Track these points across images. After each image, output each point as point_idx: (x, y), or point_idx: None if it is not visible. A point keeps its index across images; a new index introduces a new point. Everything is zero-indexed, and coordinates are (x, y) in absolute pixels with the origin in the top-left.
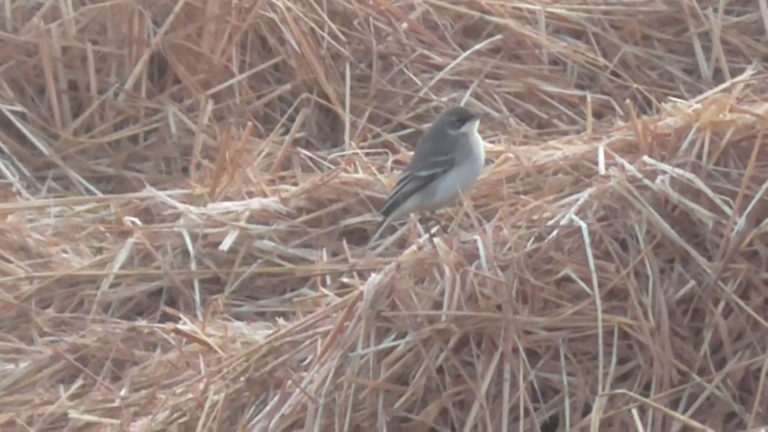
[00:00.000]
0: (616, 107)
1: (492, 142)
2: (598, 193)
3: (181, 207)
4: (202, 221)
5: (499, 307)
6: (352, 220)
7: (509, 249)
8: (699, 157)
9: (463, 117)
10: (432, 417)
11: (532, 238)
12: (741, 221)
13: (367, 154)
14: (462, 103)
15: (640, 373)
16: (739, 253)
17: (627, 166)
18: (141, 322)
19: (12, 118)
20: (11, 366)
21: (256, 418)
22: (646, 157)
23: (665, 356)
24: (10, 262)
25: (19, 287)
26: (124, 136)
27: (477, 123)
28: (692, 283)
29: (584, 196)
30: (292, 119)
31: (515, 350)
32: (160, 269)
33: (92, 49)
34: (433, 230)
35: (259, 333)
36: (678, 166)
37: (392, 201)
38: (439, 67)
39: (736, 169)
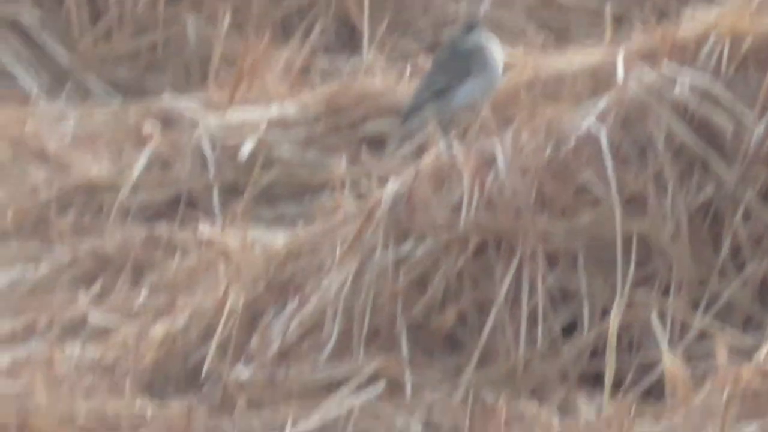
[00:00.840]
0: (635, 15)
1: (511, 49)
2: (617, 101)
3: (200, 115)
4: (221, 128)
5: (517, 213)
6: (370, 127)
7: (528, 155)
8: (718, 64)
9: (471, 25)
10: (450, 322)
11: (551, 144)
12: (760, 128)
13: (385, 61)
14: (481, 11)
15: (658, 278)
16: (759, 159)
17: (646, 72)
18: (160, 228)
19: (30, 26)
20: (31, 270)
21: (275, 322)
22: (665, 64)
23: (684, 261)
24: (28, 168)
25: (39, 193)
26: (142, 44)
27: (483, 30)
28: (711, 188)
29: (603, 103)
30: (310, 27)
31: (534, 255)
32: (179, 176)
33: None
34: (452, 136)
35: (278, 238)
36: (697, 72)
37: (410, 109)
38: None
39: (755, 76)
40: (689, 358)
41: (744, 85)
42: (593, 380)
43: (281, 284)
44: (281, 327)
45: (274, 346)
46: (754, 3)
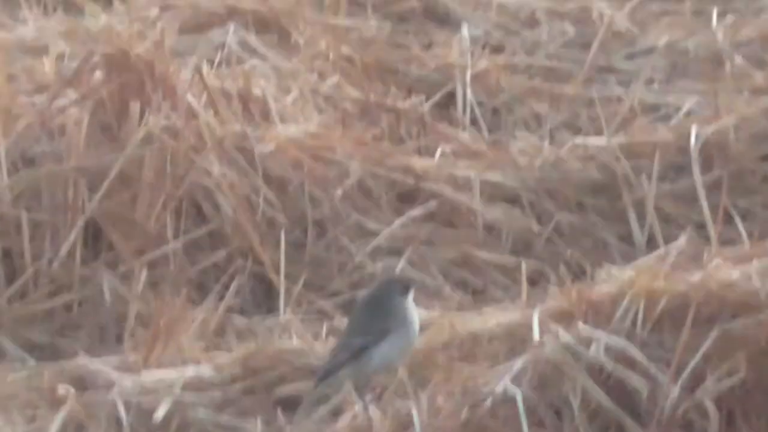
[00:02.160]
0: (551, 274)
1: (426, 309)
2: (533, 361)
3: (115, 375)
4: (135, 390)
5: None
6: (286, 388)
7: (444, 417)
8: (633, 324)
9: (407, 286)
10: None
11: (467, 406)
12: (675, 390)
13: (302, 321)
14: (398, 270)
15: None
16: (674, 421)
17: (561, 333)
18: None
19: None
20: None
21: None
22: (580, 325)
23: None
24: None
25: None
26: (58, 304)
27: (412, 291)
28: None
29: (519, 363)
30: (226, 286)
31: None
32: None
33: (26, 217)
34: (368, 398)
35: None
36: (612, 333)
37: (326, 370)
38: (374, 234)
39: (670, 336)
40: None
41: (659, 346)
42: None
43: None
44: None
45: None
46: (668, 263)
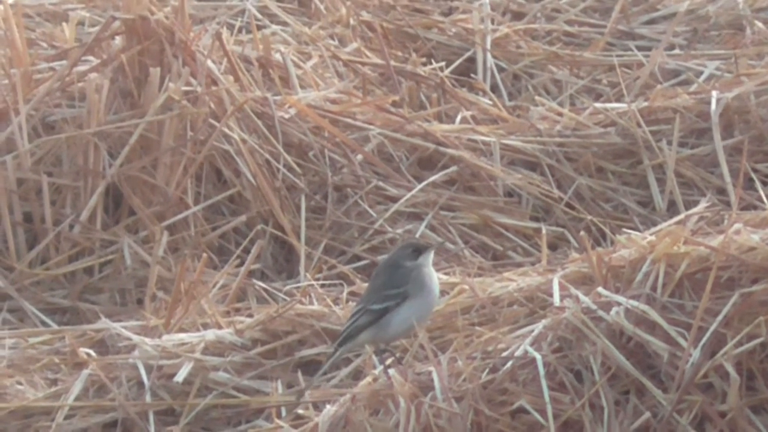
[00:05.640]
0: (571, 239)
1: (447, 273)
2: (553, 325)
3: (136, 338)
4: (157, 353)
5: None
6: (307, 352)
7: (464, 380)
8: (654, 288)
9: (418, 248)
10: None
11: (487, 370)
12: (696, 353)
13: (322, 286)
14: (417, 235)
15: None
16: (694, 384)
17: (582, 297)
18: None
19: None
20: None
21: None
22: (600, 289)
23: None
24: None
25: None
26: (79, 267)
27: (432, 254)
28: (647, 414)
29: (539, 327)
30: (247, 251)
31: None
32: (114, 401)
33: (47, 181)
34: (388, 362)
35: None
36: (632, 297)
37: (346, 334)
38: (394, 199)
39: (690, 301)
40: None
41: (679, 310)
42: None
43: None
44: None
45: None
46: (688, 228)
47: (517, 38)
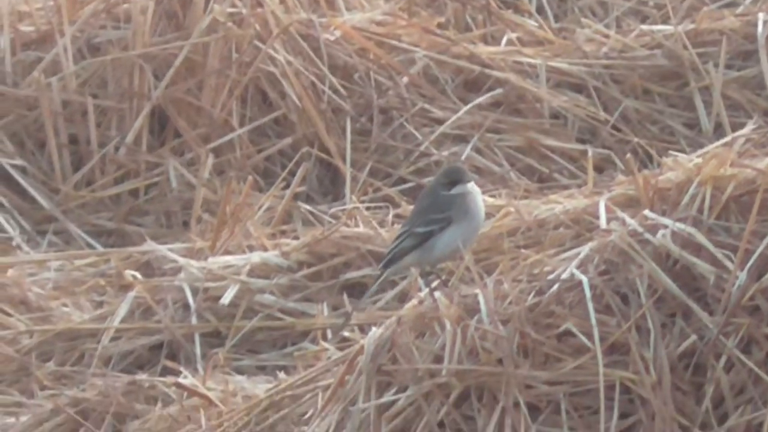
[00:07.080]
0: (617, 161)
1: (493, 196)
2: (599, 248)
3: (182, 261)
4: (202, 275)
5: (500, 361)
6: (352, 274)
7: (510, 303)
8: (700, 211)
9: (454, 180)
10: None
11: (533, 292)
12: (742, 276)
13: (367, 209)
14: (463, 158)
15: (641, 428)
16: (741, 307)
17: (628, 220)
18: (141, 376)
19: (12, 172)
20: (12, 419)
21: None
22: (647, 212)
23: (667, 411)
24: (10, 315)
25: (20, 341)
26: (124, 190)
27: (469, 185)
28: (694, 337)
29: (585, 250)
30: (292, 173)
31: (516, 404)
32: (160, 323)
33: (93, 103)
34: (434, 284)
35: (260, 387)
36: (679, 220)
37: (391, 256)
38: (439, 121)
39: (737, 223)
40: None
41: (726, 232)
42: None
43: None
44: None
45: None
46: (735, 150)
47: None
